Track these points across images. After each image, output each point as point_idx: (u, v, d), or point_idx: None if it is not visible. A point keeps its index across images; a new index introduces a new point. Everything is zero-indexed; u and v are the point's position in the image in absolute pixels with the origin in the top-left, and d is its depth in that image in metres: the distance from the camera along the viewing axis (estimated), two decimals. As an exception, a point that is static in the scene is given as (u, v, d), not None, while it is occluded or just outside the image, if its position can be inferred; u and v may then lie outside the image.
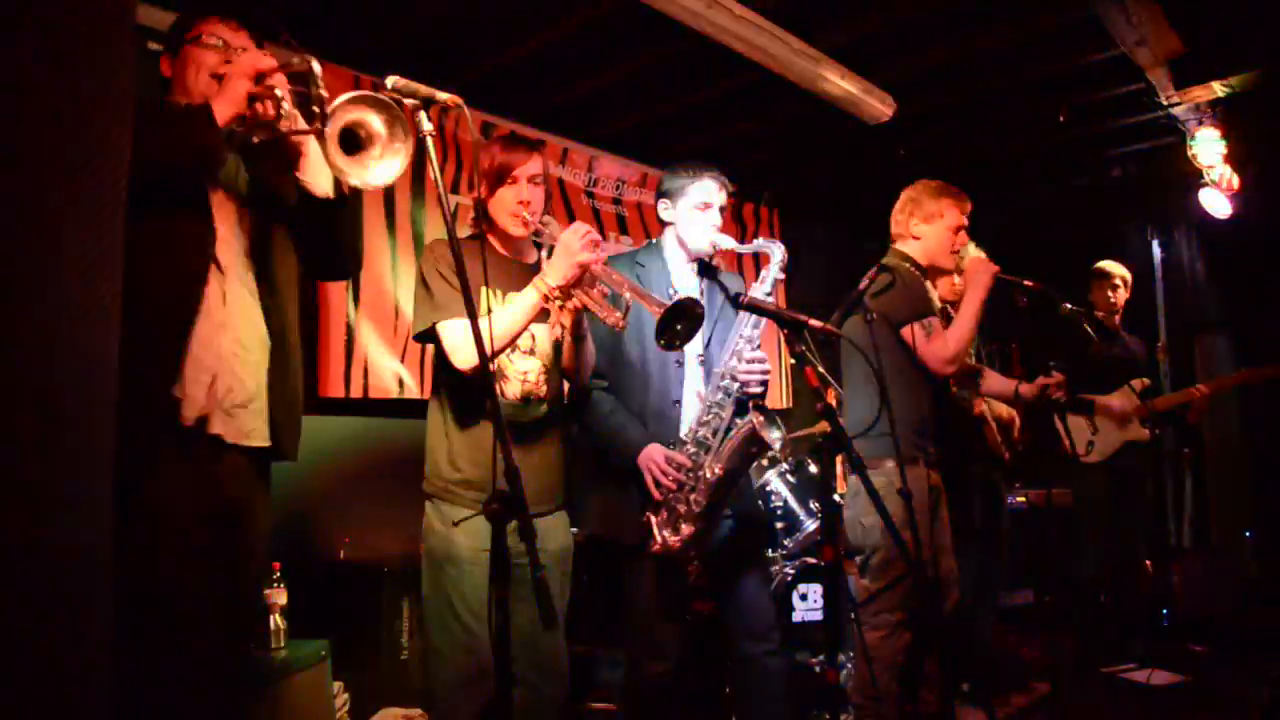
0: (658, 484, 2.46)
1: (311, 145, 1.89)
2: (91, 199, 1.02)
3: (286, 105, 1.81)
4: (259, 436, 1.97)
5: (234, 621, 1.93)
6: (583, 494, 2.65)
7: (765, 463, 3.99)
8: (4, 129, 0.94)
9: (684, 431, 2.56)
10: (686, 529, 2.45)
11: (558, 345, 2.48)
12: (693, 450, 2.49)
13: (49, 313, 0.97)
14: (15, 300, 0.94)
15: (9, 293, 0.93)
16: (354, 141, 1.73)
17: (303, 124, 1.83)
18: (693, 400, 2.61)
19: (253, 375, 1.94)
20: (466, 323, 2.20)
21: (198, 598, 1.82)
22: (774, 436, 2.41)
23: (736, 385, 2.50)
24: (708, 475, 2.45)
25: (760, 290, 2.56)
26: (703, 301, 2.68)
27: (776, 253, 2.63)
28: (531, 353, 2.42)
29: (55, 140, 0.99)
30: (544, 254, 2.29)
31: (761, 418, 2.42)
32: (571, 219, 4.61)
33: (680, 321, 2.14)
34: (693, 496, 2.46)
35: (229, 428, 1.90)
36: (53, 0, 0.98)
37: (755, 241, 2.71)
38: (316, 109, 1.71)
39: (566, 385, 2.57)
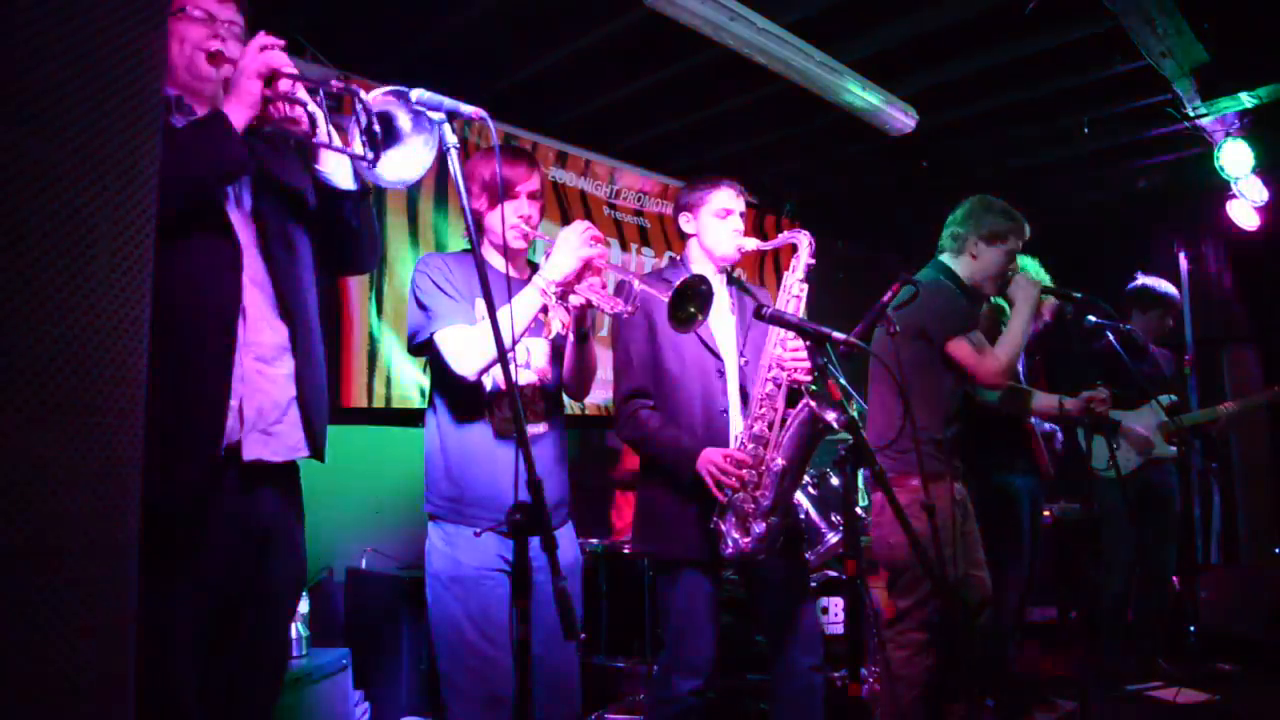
0: (720, 485, 2.42)
1: (332, 138, 1.78)
2: (124, 211, 1.03)
3: (320, 121, 1.73)
4: (301, 447, 1.85)
5: (260, 663, 1.85)
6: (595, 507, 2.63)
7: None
8: (38, 142, 0.95)
9: (735, 435, 2.55)
10: (757, 527, 2.42)
11: (555, 355, 2.44)
12: (751, 447, 2.47)
13: (80, 328, 0.98)
14: (48, 316, 0.94)
15: (41, 308, 0.94)
16: (380, 136, 1.70)
17: (337, 139, 1.76)
18: (738, 407, 2.61)
19: (281, 389, 1.81)
20: (466, 328, 2.21)
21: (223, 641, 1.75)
22: (831, 416, 2.35)
23: (785, 374, 2.48)
24: (772, 467, 2.43)
25: (794, 278, 2.60)
26: (734, 308, 2.70)
27: (803, 240, 2.64)
28: (526, 366, 2.38)
29: (88, 154, 0.99)
30: (542, 259, 2.28)
31: (816, 401, 2.39)
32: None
33: (690, 302, 2.11)
34: (758, 493, 2.43)
35: (270, 448, 1.77)
36: (86, 7, 0.98)
37: (780, 236, 2.74)
38: (366, 139, 1.67)
39: (568, 400, 2.52)
